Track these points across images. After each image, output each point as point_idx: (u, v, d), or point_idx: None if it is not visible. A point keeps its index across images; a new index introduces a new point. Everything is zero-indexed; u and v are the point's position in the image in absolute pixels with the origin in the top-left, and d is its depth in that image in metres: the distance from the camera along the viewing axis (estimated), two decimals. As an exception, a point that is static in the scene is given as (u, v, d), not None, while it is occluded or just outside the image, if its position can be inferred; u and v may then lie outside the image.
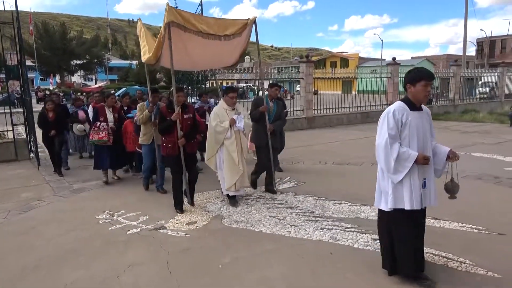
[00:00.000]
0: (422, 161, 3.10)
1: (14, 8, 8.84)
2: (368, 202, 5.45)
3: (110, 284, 3.41)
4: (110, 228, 4.73)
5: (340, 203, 5.47)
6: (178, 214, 5.15)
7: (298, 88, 14.42)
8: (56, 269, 3.71)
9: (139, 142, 6.36)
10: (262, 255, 3.92)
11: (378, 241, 4.16)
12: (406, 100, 3.26)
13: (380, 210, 3.40)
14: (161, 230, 4.62)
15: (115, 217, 5.09)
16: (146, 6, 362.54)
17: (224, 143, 5.32)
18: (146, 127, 6.19)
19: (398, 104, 3.24)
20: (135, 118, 6.29)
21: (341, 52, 75.11)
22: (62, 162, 7.88)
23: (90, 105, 8.60)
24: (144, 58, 5.84)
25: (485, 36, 46.05)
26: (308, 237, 4.33)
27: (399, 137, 3.16)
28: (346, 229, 4.51)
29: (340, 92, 17.16)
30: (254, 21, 5.74)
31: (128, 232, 4.58)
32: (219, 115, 5.35)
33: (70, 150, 9.37)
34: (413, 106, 3.22)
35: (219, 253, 3.97)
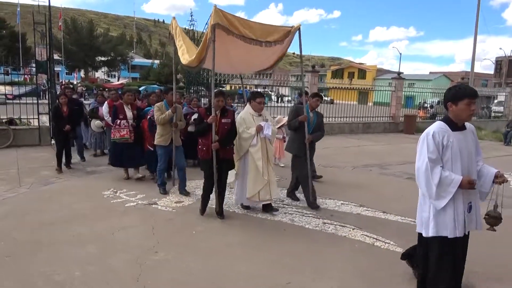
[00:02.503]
0: (467, 185, 2.87)
1: (45, 3, 10.04)
2: (334, 197, 6.33)
3: (106, 238, 4.40)
4: (112, 201, 5.75)
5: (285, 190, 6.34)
6: (169, 195, 6.11)
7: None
8: (66, 225, 4.73)
9: (155, 143, 6.22)
10: (230, 227, 4.86)
11: (327, 224, 5.08)
12: (447, 120, 3.03)
13: (419, 234, 3.25)
14: (153, 205, 5.61)
15: (117, 194, 6.11)
16: (173, 7, 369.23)
17: (249, 151, 5.16)
18: (165, 128, 6.07)
19: (438, 125, 3.01)
20: (155, 118, 6.13)
21: (360, 63, 75.62)
22: (71, 157, 7.96)
23: (106, 102, 8.32)
24: (183, 60, 5.67)
25: (504, 55, 45.98)
26: (271, 218, 5.25)
27: (440, 161, 2.94)
28: (305, 215, 5.41)
29: (356, 103, 17.96)
30: (298, 29, 5.60)
31: (126, 205, 5.59)
32: (245, 121, 5.18)
33: (87, 143, 9.54)
34: (455, 126, 3.00)
35: (195, 223, 4.94)
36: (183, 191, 6.18)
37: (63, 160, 7.70)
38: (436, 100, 23.45)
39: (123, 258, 3.88)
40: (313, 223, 5.08)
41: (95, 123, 8.86)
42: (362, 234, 4.75)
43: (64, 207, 5.43)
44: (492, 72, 51.96)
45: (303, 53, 6.08)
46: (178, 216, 5.23)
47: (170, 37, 6.36)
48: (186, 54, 5.65)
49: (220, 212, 5.15)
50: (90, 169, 7.84)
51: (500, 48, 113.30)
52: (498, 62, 47.45)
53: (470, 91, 2.93)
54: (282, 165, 8.57)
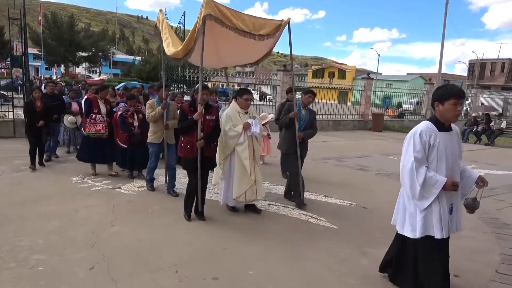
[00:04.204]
0: (450, 187, 2.90)
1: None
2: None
3: (70, 215, 4.92)
4: (79, 186, 6.26)
5: (264, 183, 6.92)
6: (133, 181, 6.63)
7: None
8: (33, 205, 5.23)
9: (148, 141, 6.08)
10: (182, 207, 5.41)
11: (271, 205, 5.70)
12: (433, 120, 3.05)
13: (402, 236, 3.22)
14: (117, 189, 6.15)
15: (85, 180, 6.62)
16: (157, 3, 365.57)
17: (235, 149, 5.01)
18: (157, 125, 5.96)
19: (425, 125, 3.02)
20: (146, 116, 6.06)
21: (342, 64, 77.06)
22: (45, 153, 7.76)
23: (85, 97, 8.11)
24: (169, 51, 5.46)
25: (476, 58, 47.69)
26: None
27: (426, 160, 2.95)
28: (254, 198, 6.03)
29: (336, 102, 18.70)
30: (287, 23, 5.43)
31: (92, 189, 6.11)
32: (232, 118, 5.01)
33: (59, 140, 8.98)
34: (442, 126, 3.01)
35: (152, 204, 5.50)
36: (172, 192, 6.02)
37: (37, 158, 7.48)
38: (415, 101, 24.44)
39: (82, 230, 4.42)
40: (259, 205, 5.69)
41: (68, 119, 8.82)
42: (300, 213, 5.41)
43: (34, 190, 5.91)
44: (462, 74, 53.86)
45: (287, 52, 6.44)
46: (137, 198, 5.79)
47: (156, 29, 6.25)
48: (171, 47, 5.53)
49: (201, 213, 5.00)
50: (62, 159, 8.29)
51: (473, 51, 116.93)
52: (471, 65, 49.17)
53: (456, 91, 2.92)
54: (261, 162, 8.51)
